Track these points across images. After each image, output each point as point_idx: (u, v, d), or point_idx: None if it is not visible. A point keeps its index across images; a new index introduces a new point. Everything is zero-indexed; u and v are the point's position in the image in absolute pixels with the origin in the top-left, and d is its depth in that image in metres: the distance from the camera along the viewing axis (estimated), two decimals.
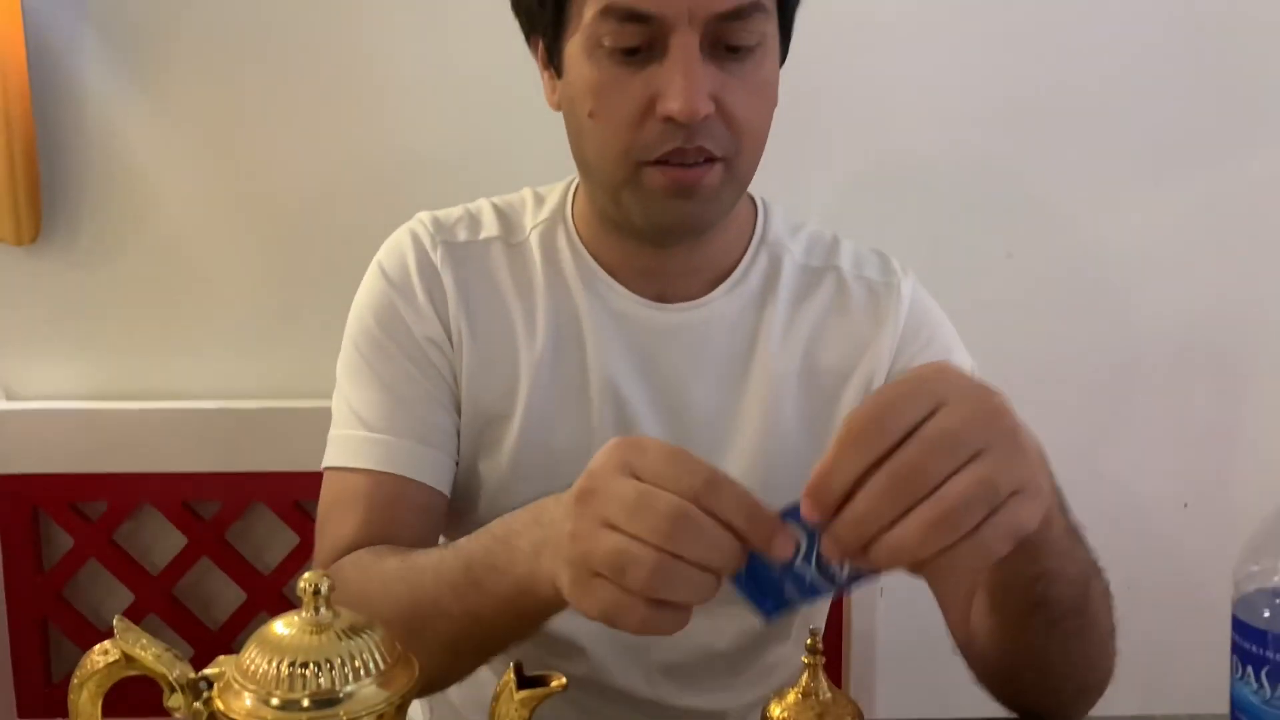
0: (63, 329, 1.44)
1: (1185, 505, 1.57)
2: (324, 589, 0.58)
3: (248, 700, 0.56)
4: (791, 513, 0.58)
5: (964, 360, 0.96)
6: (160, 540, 1.46)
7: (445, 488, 0.91)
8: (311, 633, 0.58)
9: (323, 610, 0.59)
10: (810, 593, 0.60)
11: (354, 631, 0.59)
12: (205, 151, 1.42)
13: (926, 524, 0.54)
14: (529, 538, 0.68)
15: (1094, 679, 0.83)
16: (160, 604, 1.45)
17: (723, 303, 0.93)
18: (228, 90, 1.41)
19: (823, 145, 1.42)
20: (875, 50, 1.43)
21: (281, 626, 0.59)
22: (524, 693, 0.57)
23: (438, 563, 0.76)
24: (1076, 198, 1.49)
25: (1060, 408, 1.46)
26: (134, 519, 1.45)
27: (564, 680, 0.58)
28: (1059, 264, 1.50)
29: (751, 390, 0.93)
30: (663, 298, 0.93)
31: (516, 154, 1.31)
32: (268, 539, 1.47)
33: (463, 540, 0.75)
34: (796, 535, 0.58)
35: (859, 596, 1.66)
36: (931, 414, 0.55)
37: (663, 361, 0.93)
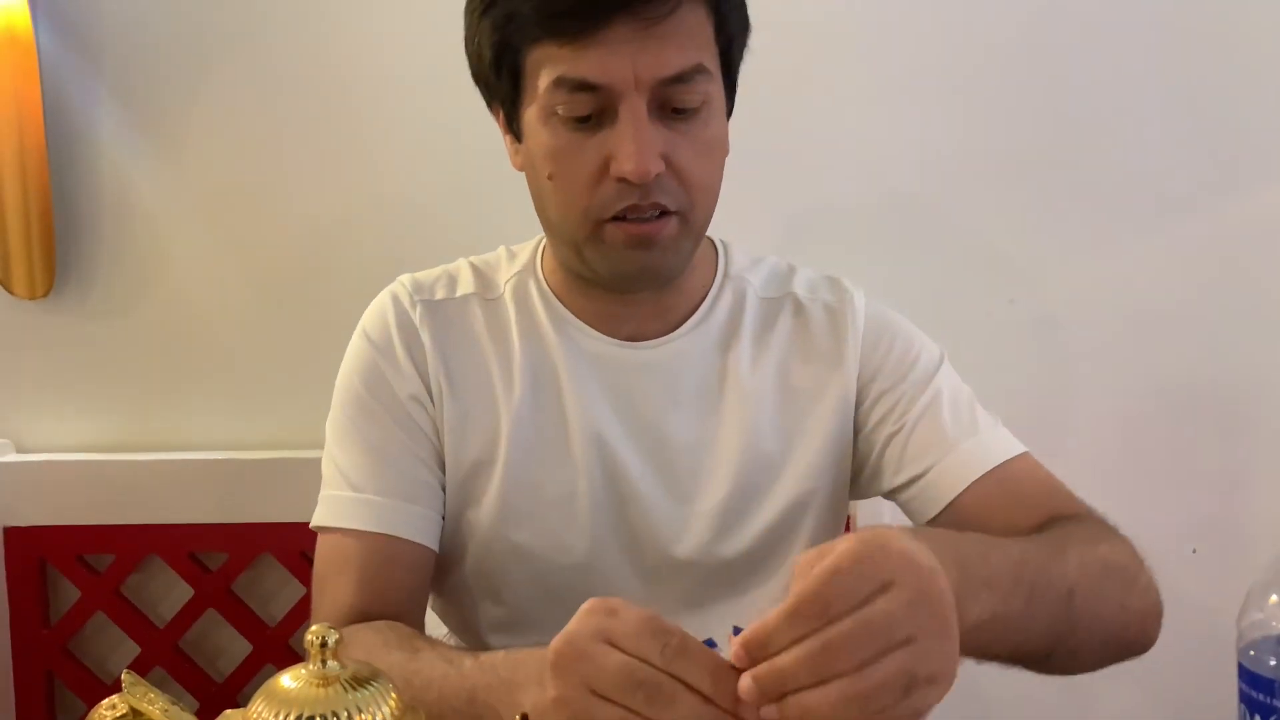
0: (72, 381, 1.45)
1: (1194, 551, 1.56)
2: (331, 642, 0.59)
3: None
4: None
5: (930, 356, 0.98)
6: (167, 592, 1.46)
7: (433, 543, 0.94)
8: (319, 685, 0.58)
9: (330, 662, 0.59)
10: None
11: (360, 683, 0.59)
12: (216, 208, 1.45)
13: (843, 697, 0.56)
14: (533, 696, 0.67)
15: (1131, 635, 0.84)
16: (166, 656, 1.45)
17: (691, 337, 0.97)
18: (239, 149, 1.43)
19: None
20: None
21: (289, 680, 0.59)
22: None
23: (442, 678, 0.76)
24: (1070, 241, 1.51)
25: (1066, 454, 1.46)
26: (141, 571, 1.46)
27: None
28: (1061, 306, 1.52)
29: (728, 416, 0.96)
30: (634, 338, 0.96)
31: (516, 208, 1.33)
32: (274, 590, 1.47)
33: (468, 663, 0.76)
34: None
35: None
36: (876, 592, 0.57)
37: (638, 397, 0.95)
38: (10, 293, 1.39)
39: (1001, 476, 0.93)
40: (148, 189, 1.43)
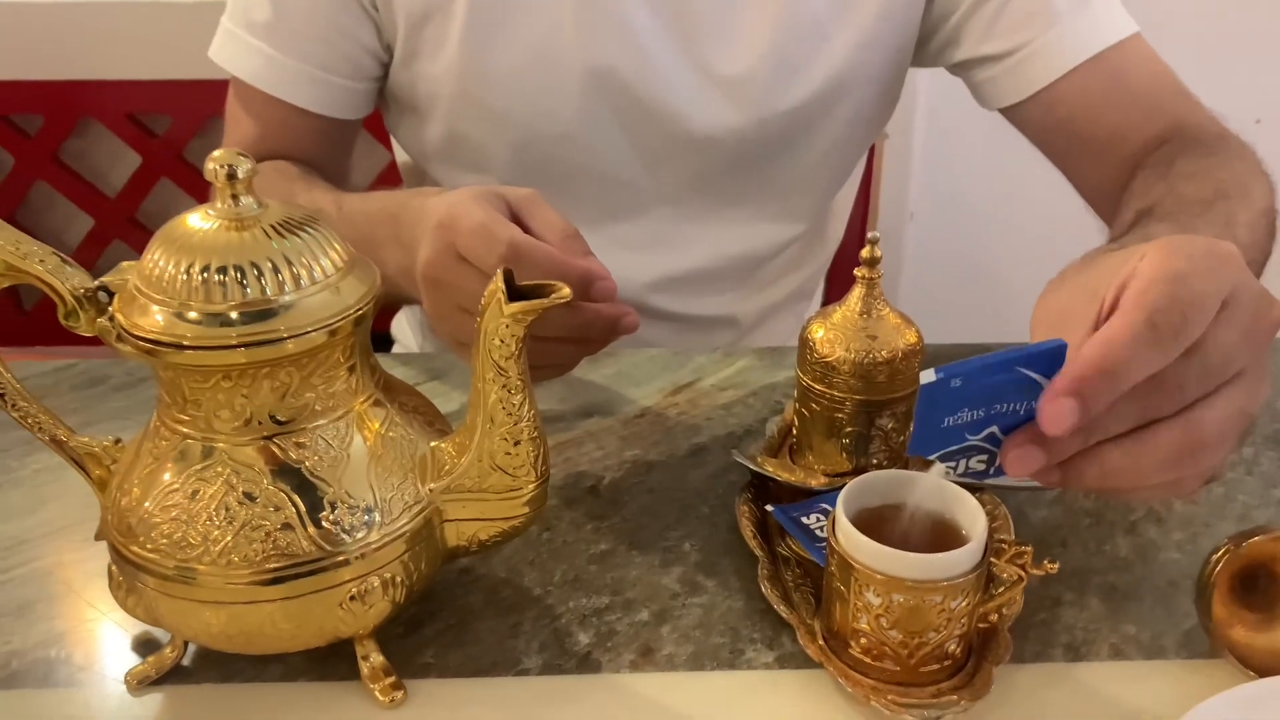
0: None
1: (1257, 121, 1.40)
2: (242, 171, 0.44)
3: (158, 316, 0.43)
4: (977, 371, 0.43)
5: None
6: (113, 162, 1.31)
7: (353, 112, 0.82)
8: (234, 229, 0.44)
9: (245, 200, 0.45)
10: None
11: (290, 228, 0.45)
12: None
13: (1172, 449, 0.43)
14: (393, 258, 0.62)
15: None
16: (120, 229, 1.32)
17: None
18: None
19: None
20: None
21: (197, 220, 0.45)
22: (516, 305, 0.45)
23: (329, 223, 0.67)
24: None
25: None
26: (80, 136, 1.29)
27: (568, 291, 0.45)
28: None
29: None
30: None
31: None
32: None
33: (348, 206, 0.70)
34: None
35: (887, 221, 1.54)
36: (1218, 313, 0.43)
37: None
38: None
39: (1114, 64, 0.75)
40: None
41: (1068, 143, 0.79)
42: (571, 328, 0.57)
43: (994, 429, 0.45)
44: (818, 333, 0.58)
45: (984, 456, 0.46)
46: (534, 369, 0.58)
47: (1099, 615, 0.54)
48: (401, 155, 0.95)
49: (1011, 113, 0.80)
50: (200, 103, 1.23)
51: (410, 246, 0.60)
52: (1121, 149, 0.76)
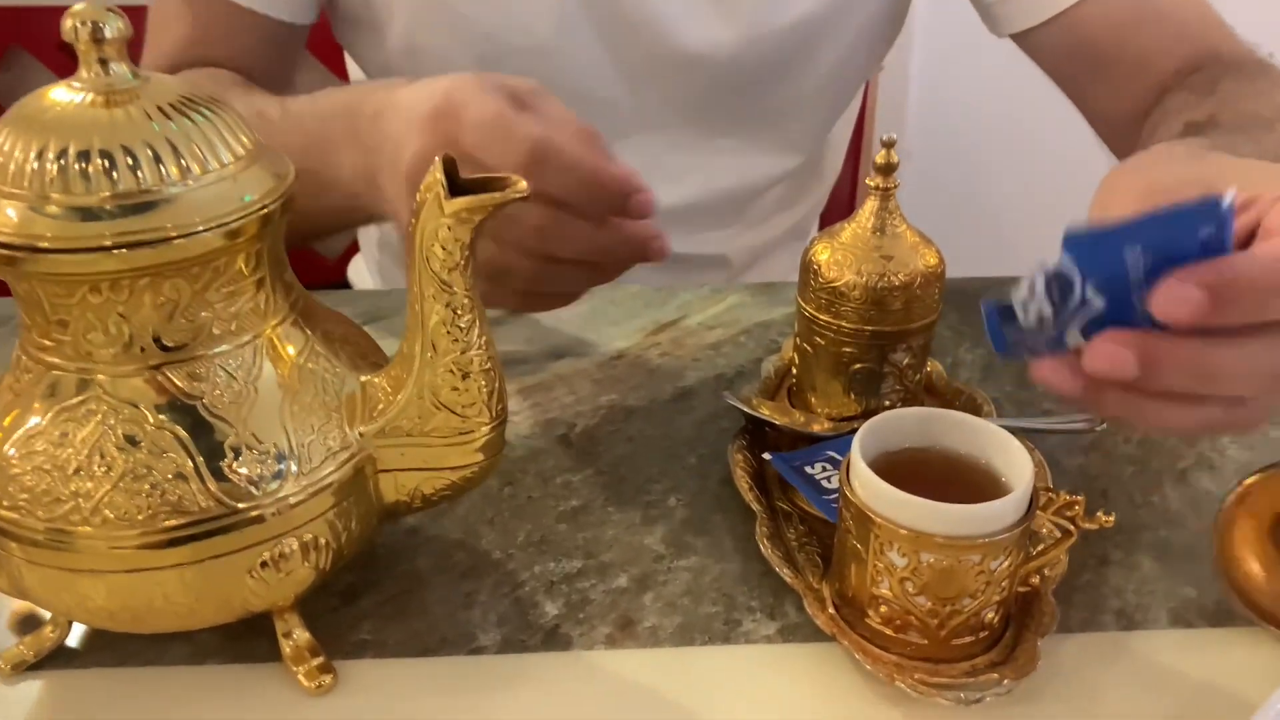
0: None
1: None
2: (112, 30, 0.35)
3: (10, 212, 0.34)
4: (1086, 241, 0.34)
5: None
6: None
7: (295, 14, 0.72)
8: (103, 105, 0.35)
9: (117, 69, 0.36)
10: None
11: (180, 109, 0.36)
12: None
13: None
14: (350, 160, 0.53)
15: None
16: None
17: None
18: None
19: None
20: None
21: (61, 94, 0.36)
22: (460, 202, 0.36)
23: (272, 129, 0.57)
24: None
25: None
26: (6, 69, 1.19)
27: (524, 185, 0.37)
28: None
29: None
30: None
31: None
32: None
33: (290, 110, 0.60)
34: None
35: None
36: None
37: None
38: None
39: None
40: None
41: (1087, 69, 0.71)
42: (592, 248, 0.48)
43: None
44: (823, 254, 0.50)
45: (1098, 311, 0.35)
46: (535, 296, 0.50)
47: (1153, 576, 0.47)
48: (356, 74, 0.85)
49: (1026, 37, 0.72)
50: (139, 30, 1.13)
51: (374, 146, 0.51)
52: (1146, 76, 0.69)
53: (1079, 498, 0.41)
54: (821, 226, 1.06)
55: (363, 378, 0.40)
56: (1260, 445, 0.55)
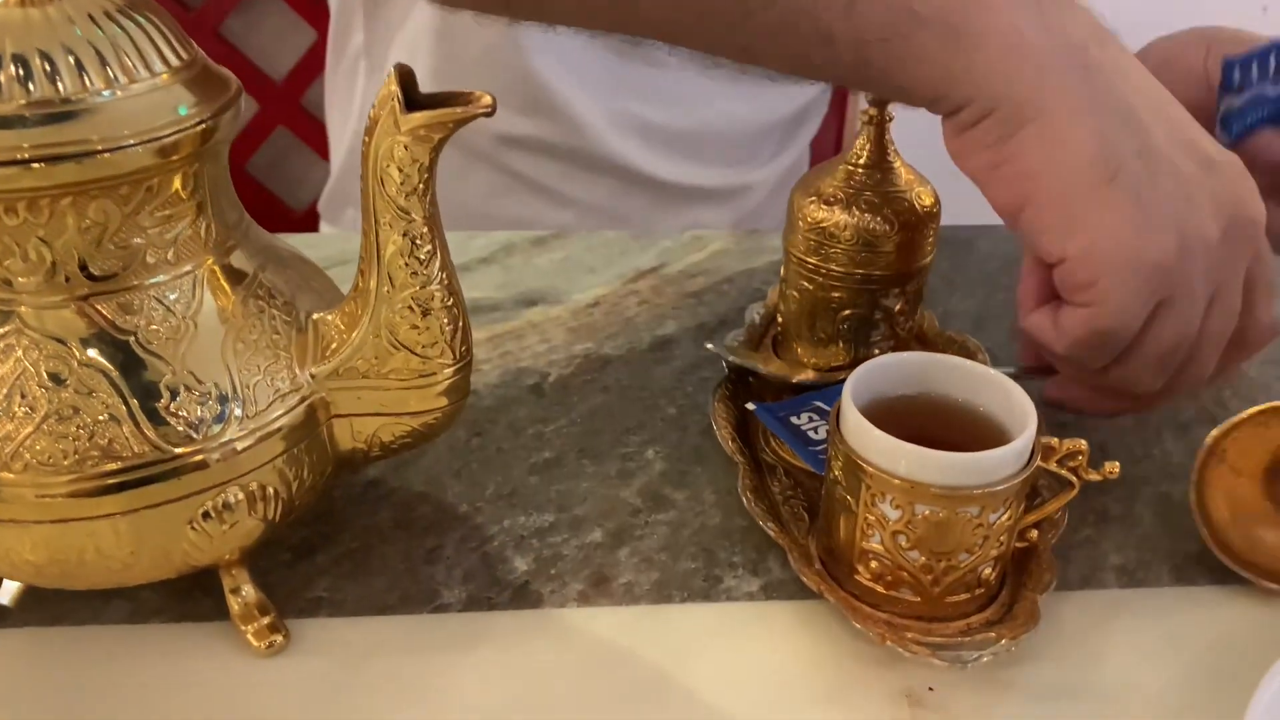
0: None
1: (1264, 10, 1.30)
2: None
3: None
4: None
5: None
6: None
7: None
8: (17, 3, 0.32)
9: None
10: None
11: (111, 12, 0.33)
12: None
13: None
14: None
15: None
16: None
17: None
18: None
19: None
20: None
21: None
22: (418, 117, 0.33)
23: None
24: None
25: None
26: None
27: (490, 101, 0.33)
28: None
29: None
30: None
31: None
32: None
33: None
34: None
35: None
36: None
37: None
38: None
39: None
40: None
41: None
42: None
43: None
44: (812, 192, 0.47)
45: None
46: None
47: (1155, 532, 0.44)
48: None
49: None
50: None
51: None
52: None
53: (1082, 444, 0.38)
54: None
55: (315, 315, 0.37)
56: (1262, 396, 0.52)
